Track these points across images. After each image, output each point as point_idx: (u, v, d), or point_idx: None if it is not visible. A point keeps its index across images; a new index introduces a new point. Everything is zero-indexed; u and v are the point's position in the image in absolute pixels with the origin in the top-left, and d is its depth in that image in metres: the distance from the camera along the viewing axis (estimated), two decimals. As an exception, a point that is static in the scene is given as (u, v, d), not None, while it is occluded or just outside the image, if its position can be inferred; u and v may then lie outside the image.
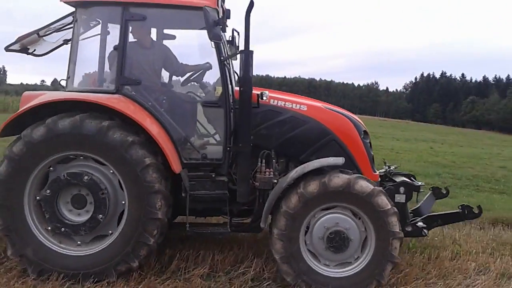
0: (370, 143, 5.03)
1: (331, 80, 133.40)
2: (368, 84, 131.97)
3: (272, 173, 4.61)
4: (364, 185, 4.19)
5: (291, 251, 4.24)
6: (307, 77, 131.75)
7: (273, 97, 4.86)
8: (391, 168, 5.50)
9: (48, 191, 4.20)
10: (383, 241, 4.22)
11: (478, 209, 5.00)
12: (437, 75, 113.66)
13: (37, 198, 4.27)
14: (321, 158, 4.51)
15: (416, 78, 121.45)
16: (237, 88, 4.79)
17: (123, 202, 4.30)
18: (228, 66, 4.83)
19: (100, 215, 4.22)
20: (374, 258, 4.27)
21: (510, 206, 8.64)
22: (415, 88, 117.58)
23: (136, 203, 4.22)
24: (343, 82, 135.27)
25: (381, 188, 4.35)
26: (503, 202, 9.04)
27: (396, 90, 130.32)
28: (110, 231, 4.34)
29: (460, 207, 5.06)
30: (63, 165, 4.34)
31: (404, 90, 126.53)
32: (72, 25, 4.99)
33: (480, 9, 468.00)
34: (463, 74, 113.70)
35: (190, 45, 5.51)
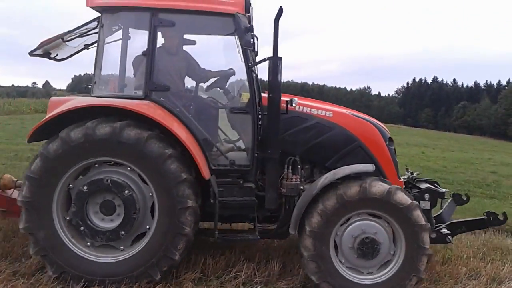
0: (394, 149, 5.05)
1: (324, 85, 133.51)
2: (360, 89, 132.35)
3: (298, 179, 4.61)
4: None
5: (323, 230, 4.21)
6: (299, 81, 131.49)
7: (299, 103, 4.85)
8: (414, 175, 5.53)
9: (86, 187, 4.14)
10: (406, 274, 4.27)
11: (503, 216, 5.03)
12: (429, 80, 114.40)
13: (70, 185, 4.22)
14: (347, 164, 4.51)
15: (408, 83, 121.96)
16: (264, 94, 4.79)
17: (148, 227, 4.27)
18: (254, 72, 4.83)
19: (123, 232, 4.18)
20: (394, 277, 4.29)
21: (500, 211, 8.39)
22: (407, 93, 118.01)
23: (161, 235, 4.20)
24: (335, 87, 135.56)
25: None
26: (494, 207, 8.93)
27: (388, 94, 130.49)
28: (122, 247, 4.29)
29: (485, 214, 5.09)
30: (109, 168, 4.29)
31: (396, 95, 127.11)
32: (96, 30, 4.98)
33: (472, 16, 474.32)
34: (454, 80, 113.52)
35: (212, 50, 5.50)
